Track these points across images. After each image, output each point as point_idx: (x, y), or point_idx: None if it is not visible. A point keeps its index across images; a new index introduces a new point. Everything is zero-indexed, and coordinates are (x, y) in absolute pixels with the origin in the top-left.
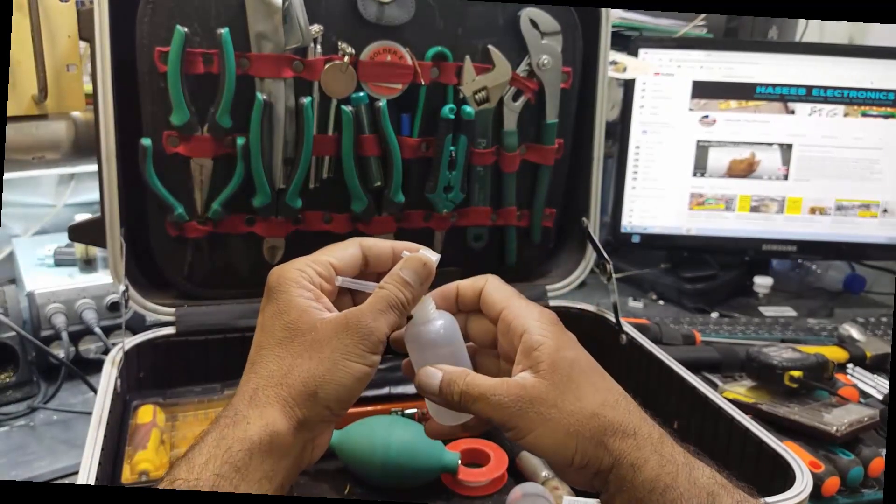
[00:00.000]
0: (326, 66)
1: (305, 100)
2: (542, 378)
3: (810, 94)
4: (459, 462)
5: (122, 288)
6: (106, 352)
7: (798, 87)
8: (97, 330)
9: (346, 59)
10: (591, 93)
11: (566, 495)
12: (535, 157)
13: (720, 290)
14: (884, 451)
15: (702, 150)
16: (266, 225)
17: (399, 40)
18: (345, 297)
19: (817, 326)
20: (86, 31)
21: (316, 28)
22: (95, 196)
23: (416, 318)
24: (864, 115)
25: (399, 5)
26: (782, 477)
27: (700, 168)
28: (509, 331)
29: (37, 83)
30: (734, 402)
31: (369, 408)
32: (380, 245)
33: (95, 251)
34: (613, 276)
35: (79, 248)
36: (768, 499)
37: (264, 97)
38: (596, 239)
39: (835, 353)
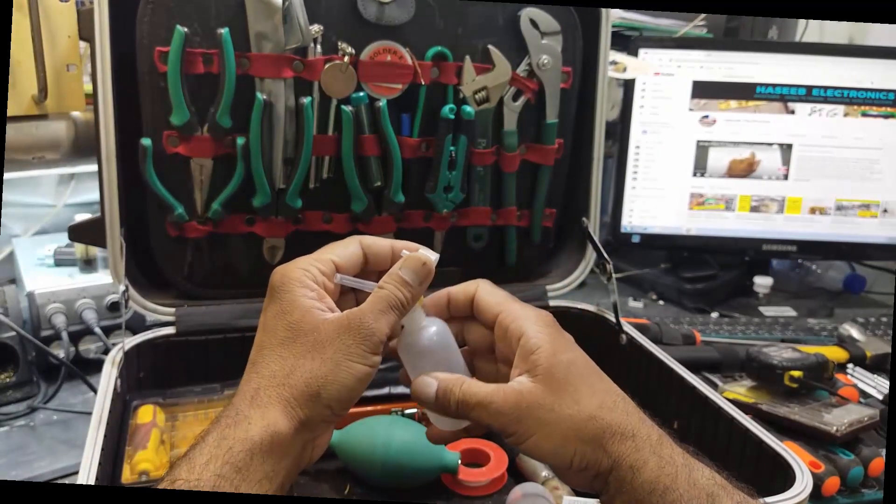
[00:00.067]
0: (326, 66)
1: (305, 100)
2: (539, 383)
3: (810, 94)
4: (459, 462)
5: (122, 288)
6: (106, 352)
7: (798, 87)
8: (97, 330)
9: (346, 59)
10: (591, 93)
11: (566, 495)
12: (535, 157)
13: (720, 290)
14: (884, 451)
15: (702, 150)
16: (266, 225)
17: (399, 40)
18: (347, 296)
19: (817, 326)
20: (86, 31)
21: (316, 28)
22: (95, 196)
23: (408, 326)
24: (864, 115)
25: (399, 5)
26: (782, 477)
27: (700, 168)
28: (506, 335)
29: (37, 83)
30: (734, 402)
31: (369, 408)
32: (379, 243)
33: (95, 251)
34: (613, 276)
35: (79, 248)
36: (768, 499)
37: (264, 97)
38: (596, 239)
39: (835, 353)
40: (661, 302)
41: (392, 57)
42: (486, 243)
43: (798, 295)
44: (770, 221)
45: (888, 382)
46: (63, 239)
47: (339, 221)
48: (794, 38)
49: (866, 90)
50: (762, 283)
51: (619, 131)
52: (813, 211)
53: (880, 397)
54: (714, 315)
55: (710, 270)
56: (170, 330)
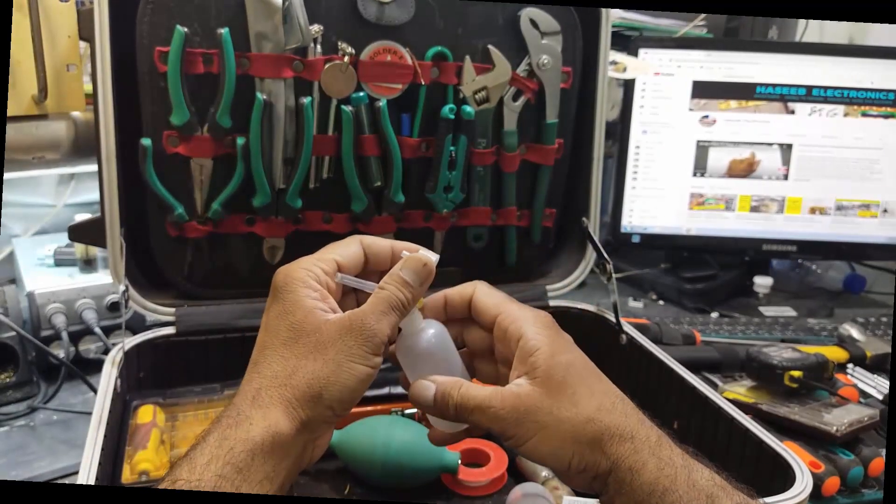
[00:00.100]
0: (326, 66)
1: (305, 100)
2: (538, 385)
3: (810, 94)
4: (459, 462)
5: (122, 288)
6: (106, 352)
7: (798, 87)
8: (97, 330)
9: (346, 59)
10: (591, 93)
11: (566, 495)
12: (535, 157)
13: (720, 290)
14: (884, 451)
15: (702, 150)
16: (266, 225)
17: (399, 40)
18: (348, 297)
19: (817, 326)
20: (86, 31)
21: (316, 28)
22: (95, 196)
23: (405, 329)
24: (864, 115)
25: (399, 5)
26: (782, 477)
27: (700, 168)
28: (506, 336)
29: (37, 83)
30: (734, 402)
31: (369, 408)
32: (380, 244)
33: (95, 251)
34: (613, 276)
35: (79, 248)
36: (768, 499)
37: (264, 97)
38: (596, 239)
39: (835, 353)
40: (661, 302)
41: (392, 57)
42: (486, 243)
43: (798, 295)
44: (770, 221)
45: (888, 382)
46: (63, 239)
47: (339, 221)
48: (794, 38)
49: (866, 90)
50: (762, 283)
51: (619, 131)
52: (813, 211)
53: (880, 397)
54: (714, 315)
55: (710, 270)
56: (170, 330)
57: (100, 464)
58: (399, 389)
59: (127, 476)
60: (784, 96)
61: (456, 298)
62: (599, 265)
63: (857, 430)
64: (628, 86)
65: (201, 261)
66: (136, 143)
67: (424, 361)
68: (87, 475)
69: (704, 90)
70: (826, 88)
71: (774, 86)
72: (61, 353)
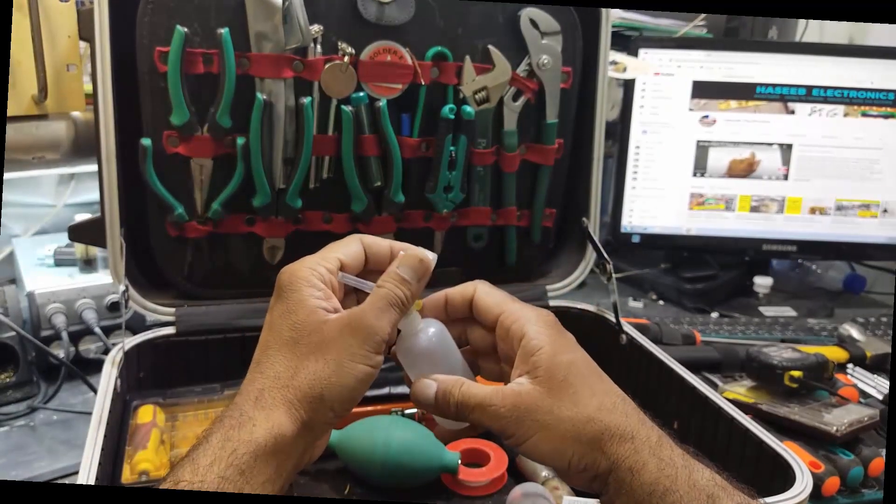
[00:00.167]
0: (326, 66)
1: (305, 100)
2: (539, 384)
3: (810, 94)
4: (459, 462)
5: (122, 288)
6: (106, 352)
7: (798, 87)
8: (97, 330)
9: (346, 59)
10: (591, 93)
11: (566, 495)
12: (535, 157)
13: (720, 290)
14: (884, 451)
15: (702, 150)
16: (266, 225)
17: (399, 40)
18: (350, 297)
19: (817, 326)
20: (86, 31)
21: (316, 28)
22: (95, 196)
23: (404, 330)
24: (864, 115)
25: (399, 5)
26: (782, 477)
27: (700, 168)
28: (508, 335)
29: (37, 83)
30: (734, 402)
31: (369, 408)
32: (379, 243)
33: (95, 251)
34: (613, 276)
35: (79, 248)
36: (768, 499)
37: (264, 97)
38: (596, 239)
39: (835, 353)
40: (661, 302)
41: (392, 57)
42: (486, 243)
43: (798, 295)
44: (770, 221)
45: (888, 382)
46: (63, 239)
47: (339, 221)
48: (794, 38)
49: (866, 90)
50: (762, 283)
51: (619, 131)
52: (813, 211)
53: (880, 397)
54: (714, 315)
55: (710, 270)
56: (170, 330)
57: (100, 464)
58: (399, 389)
59: (127, 476)
60: (784, 96)
61: (457, 298)
62: (599, 265)
63: (857, 430)
64: (628, 86)
65: (201, 261)
66: (136, 143)
67: (425, 361)
68: (87, 475)
69: (704, 90)
70: (826, 88)
71: (774, 86)
72: (61, 353)
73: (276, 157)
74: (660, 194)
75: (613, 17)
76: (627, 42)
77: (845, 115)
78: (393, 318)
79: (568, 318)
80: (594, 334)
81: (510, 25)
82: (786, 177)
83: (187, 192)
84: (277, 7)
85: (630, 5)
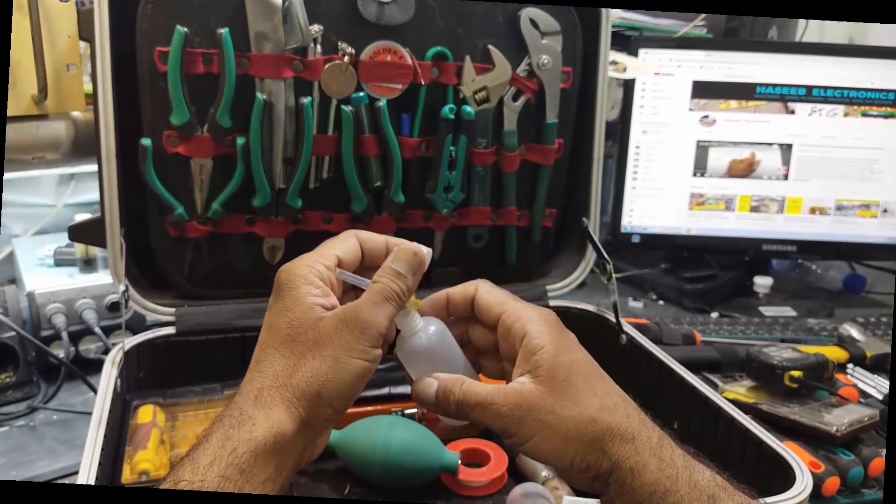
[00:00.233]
0: (326, 66)
1: (305, 100)
2: (541, 384)
3: (810, 94)
4: (459, 462)
5: (122, 288)
6: (106, 352)
7: (798, 87)
8: (97, 330)
9: (346, 59)
10: (591, 93)
11: (566, 495)
12: (535, 157)
13: (720, 290)
14: (884, 451)
15: (702, 150)
16: (266, 225)
17: (399, 40)
18: (349, 295)
19: (817, 326)
20: (86, 31)
21: (316, 28)
22: (95, 196)
23: (403, 330)
24: (864, 115)
25: (399, 5)
26: (782, 477)
27: (700, 168)
28: (510, 334)
29: (37, 83)
30: (734, 402)
31: (369, 408)
32: (375, 238)
33: (95, 251)
34: (613, 276)
35: (79, 248)
36: (768, 499)
37: (264, 97)
38: (596, 239)
39: (835, 353)
40: (661, 302)
41: (392, 57)
42: (486, 243)
43: (798, 295)
44: (770, 221)
45: (888, 382)
46: (63, 239)
47: (339, 221)
48: (794, 38)
49: (866, 90)
50: (762, 283)
51: (619, 131)
52: (813, 211)
53: (880, 397)
54: (714, 315)
55: (710, 270)
56: (170, 330)
57: (100, 464)
58: (399, 389)
59: (127, 476)
60: (784, 96)
61: (458, 297)
62: (599, 265)
63: (857, 430)
64: (628, 86)
65: (201, 261)
66: (136, 143)
67: (425, 360)
68: (87, 475)
69: (704, 90)
70: (826, 88)
71: (774, 86)
72: (61, 353)
73: (276, 157)
74: (660, 194)
75: (613, 17)
76: (627, 42)
77: (845, 115)
78: (389, 312)
79: (568, 318)
80: (594, 334)
81: (510, 25)
82: (786, 177)
83: (187, 192)
84: (277, 7)
85: (630, 5)
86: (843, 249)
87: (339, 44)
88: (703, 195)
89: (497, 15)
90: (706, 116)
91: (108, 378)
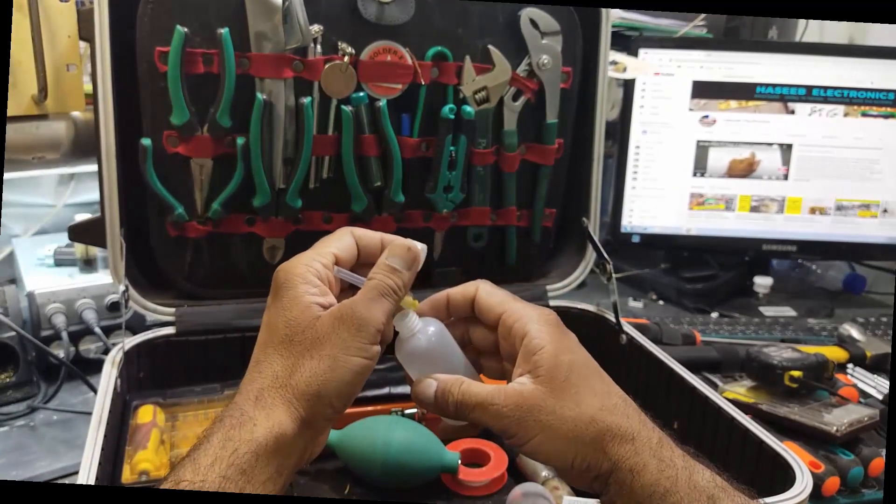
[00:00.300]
0: (326, 66)
1: (305, 100)
2: (541, 384)
3: (810, 94)
4: (459, 462)
5: (122, 288)
6: (106, 352)
7: (798, 87)
8: (97, 330)
9: (346, 59)
10: (591, 93)
11: (566, 495)
12: (535, 157)
13: (720, 290)
14: (884, 451)
15: (702, 150)
16: (266, 225)
17: (399, 40)
18: (347, 293)
19: (817, 326)
20: (86, 31)
21: (316, 28)
22: (95, 196)
23: (402, 331)
24: (864, 115)
25: (399, 5)
26: (782, 477)
27: (700, 168)
28: (510, 334)
29: (37, 83)
30: (734, 402)
31: (369, 408)
32: (370, 235)
33: (95, 251)
34: (613, 276)
35: (79, 248)
36: (768, 499)
37: (264, 97)
38: (596, 239)
39: (835, 353)
40: (661, 302)
41: (392, 57)
42: (486, 243)
43: (798, 295)
44: (770, 221)
45: (888, 382)
46: (63, 239)
47: (339, 221)
48: (794, 38)
49: (866, 90)
50: (762, 283)
51: (619, 131)
52: (813, 211)
53: (880, 397)
54: (714, 315)
55: (710, 270)
56: (170, 330)
57: (100, 464)
58: (399, 389)
59: (127, 476)
60: (784, 96)
61: (458, 297)
62: (599, 265)
63: (857, 430)
64: (628, 86)
65: (201, 261)
66: (136, 143)
67: (425, 361)
68: (87, 475)
69: (704, 90)
70: (826, 88)
71: (774, 86)
72: (61, 353)
73: (276, 157)
74: (660, 194)
75: (613, 17)
76: (627, 42)
77: (845, 115)
78: (386, 308)
79: (568, 318)
80: (594, 334)
81: (510, 25)
82: (786, 177)
83: (187, 192)
84: (277, 7)
85: (630, 5)
86: (843, 249)
87: (339, 44)
88: (703, 195)
89: (497, 15)
90: (706, 116)
91: (108, 378)
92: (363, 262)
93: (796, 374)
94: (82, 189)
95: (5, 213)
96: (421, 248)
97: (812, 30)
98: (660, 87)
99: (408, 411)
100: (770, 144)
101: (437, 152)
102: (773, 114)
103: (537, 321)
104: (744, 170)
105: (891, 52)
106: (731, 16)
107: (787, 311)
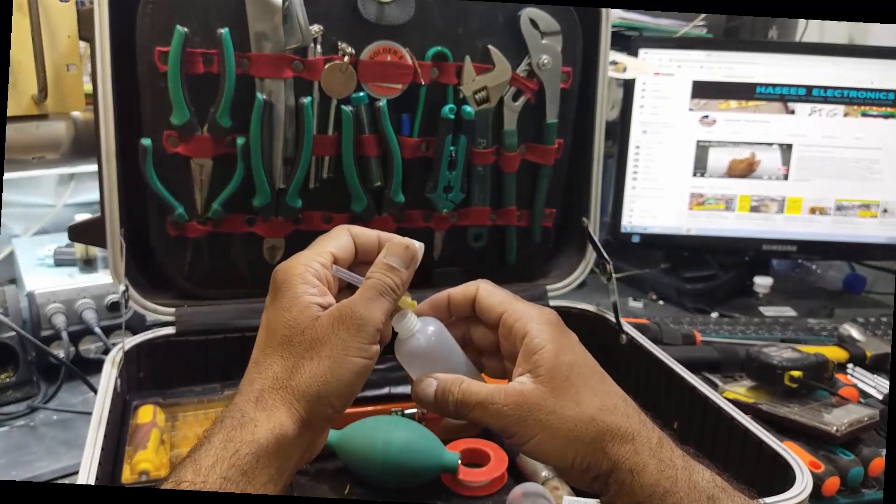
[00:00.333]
0: (326, 66)
1: (305, 100)
2: (541, 383)
3: (810, 94)
4: (459, 462)
5: (122, 288)
6: (106, 352)
7: (798, 87)
8: (97, 330)
9: (346, 59)
10: (591, 93)
11: (566, 495)
12: (535, 157)
13: (720, 290)
14: (884, 451)
15: (702, 150)
16: (266, 225)
17: (399, 40)
18: (344, 293)
19: (817, 326)
20: (86, 31)
21: (316, 28)
22: (95, 196)
23: (401, 332)
24: (864, 115)
25: (399, 5)
26: (782, 477)
27: (700, 168)
28: (511, 334)
29: (37, 83)
30: (734, 402)
31: (369, 408)
32: (367, 234)
33: (95, 251)
34: (613, 276)
35: (79, 248)
36: (768, 499)
37: (264, 97)
38: (596, 239)
39: (835, 353)
40: (661, 302)
41: (392, 57)
42: (486, 243)
43: (798, 295)
44: (770, 221)
45: (888, 382)
46: (63, 239)
47: (340, 221)
48: (794, 38)
49: (866, 90)
50: (762, 283)
51: (619, 131)
52: (813, 211)
53: (880, 397)
54: (714, 315)
55: (710, 270)
56: (170, 330)
57: (100, 464)
58: (399, 389)
59: (127, 476)
60: (784, 96)
61: (459, 297)
62: (599, 265)
63: (857, 430)
64: (628, 86)
65: (201, 261)
66: (136, 143)
67: (425, 361)
68: (87, 475)
69: (704, 90)
70: (826, 88)
71: (774, 86)
72: (61, 353)
73: (276, 157)
74: (660, 194)
75: (613, 17)
76: (627, 42)
77: (845, 115)
78: (384, 307)
79: (568, 318)
80: (594, 334)
81: (510, 25)
82: (786, 177)
83: (187, 192)
84: (277, 7)
85: (630, 5)
86: (843, 249)
87: (339, 44)
88: (703, 195)
89: (497, 15)
90: (706, 116)
91: (108, 378)
92: (361, 260)
93: (796, 374)
94: (82, 189)
95: (5, 213)
96: (419, 246)
97: (812, 30)
98: (660, 87)
99: (408, 411)
100: (770, 144)
101: (437, 152)
102: (773, 114)
103: (538, 321)
104: (744, 170)
105: (891, 52)
106: (731, 16)
107: (787, 311)
